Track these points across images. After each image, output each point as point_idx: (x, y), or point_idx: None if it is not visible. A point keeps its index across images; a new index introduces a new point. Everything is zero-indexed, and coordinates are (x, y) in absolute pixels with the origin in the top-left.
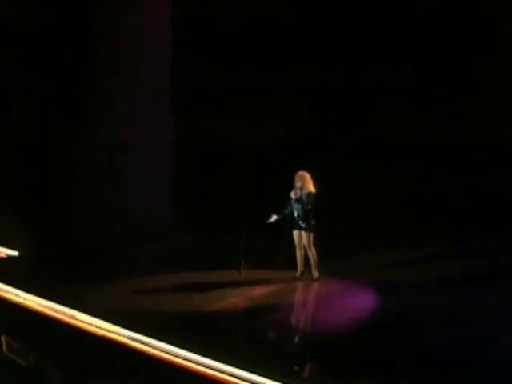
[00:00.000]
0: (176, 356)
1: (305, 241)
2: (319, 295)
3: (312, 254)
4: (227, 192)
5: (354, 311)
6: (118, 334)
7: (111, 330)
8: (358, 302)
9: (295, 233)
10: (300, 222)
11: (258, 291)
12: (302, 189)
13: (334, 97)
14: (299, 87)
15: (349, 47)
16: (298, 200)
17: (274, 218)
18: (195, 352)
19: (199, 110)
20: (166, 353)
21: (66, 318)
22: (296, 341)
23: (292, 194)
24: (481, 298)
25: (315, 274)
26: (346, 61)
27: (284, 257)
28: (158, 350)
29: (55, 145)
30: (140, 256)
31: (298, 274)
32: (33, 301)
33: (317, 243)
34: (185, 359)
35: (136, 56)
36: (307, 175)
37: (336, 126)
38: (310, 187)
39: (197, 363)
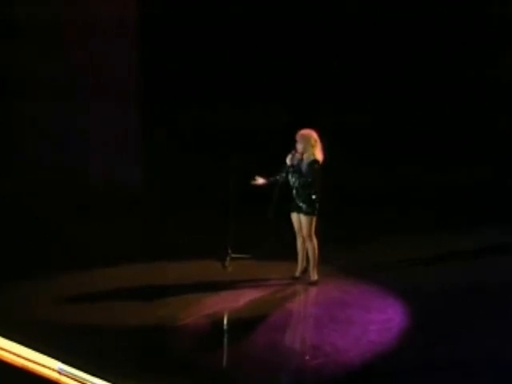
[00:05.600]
0: None
1: (304, 227)
2: (327, 307)
3: (312, 246)
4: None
5: (377, 333)
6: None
7: (36, 360)
8: (380, 319)
9: (294, 216)
10: (298, 201)
11: (244, 298)
12: (303, 154)
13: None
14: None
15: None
16: (297, 169)
17: (260, 180)
18: None
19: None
20: None
21: None
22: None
23: (288, 160)
24: None
25: (313, 275)
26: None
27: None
28: None
29: None
30: (91, 239)
31: (298, 272)
32: None
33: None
34: None
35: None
36: (313, 135)
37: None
38: (316, 152)
39: None
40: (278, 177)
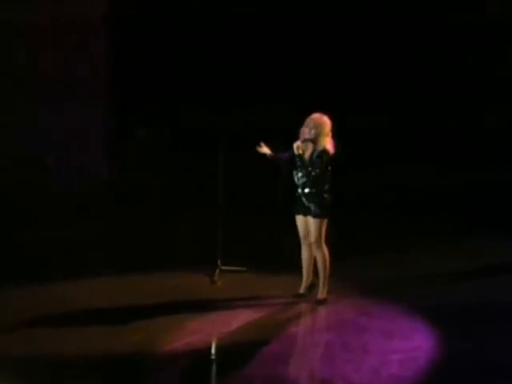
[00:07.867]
0: None
1: (313, 233)
2: (338, 331)
3: (322, 255)
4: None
5: (400, 364)
6: None
7: None
8: (404, 347)
9: (299, 219)
10: (307, 201)
11: (238, 321)
12: (315, 143)
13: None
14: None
15: None
16: (307, 161)
17: (264, 149)
18: None
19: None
20: None
21: None
22: None
23: (295, 148)
24: None
25: (322, 292)
26: None
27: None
28: None
29: None
30: (53, 244)
31: (302, 289)
32: None
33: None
34: None
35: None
36: (327, 121)
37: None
38: (327, 142)
39: None
40: (285, 156)
